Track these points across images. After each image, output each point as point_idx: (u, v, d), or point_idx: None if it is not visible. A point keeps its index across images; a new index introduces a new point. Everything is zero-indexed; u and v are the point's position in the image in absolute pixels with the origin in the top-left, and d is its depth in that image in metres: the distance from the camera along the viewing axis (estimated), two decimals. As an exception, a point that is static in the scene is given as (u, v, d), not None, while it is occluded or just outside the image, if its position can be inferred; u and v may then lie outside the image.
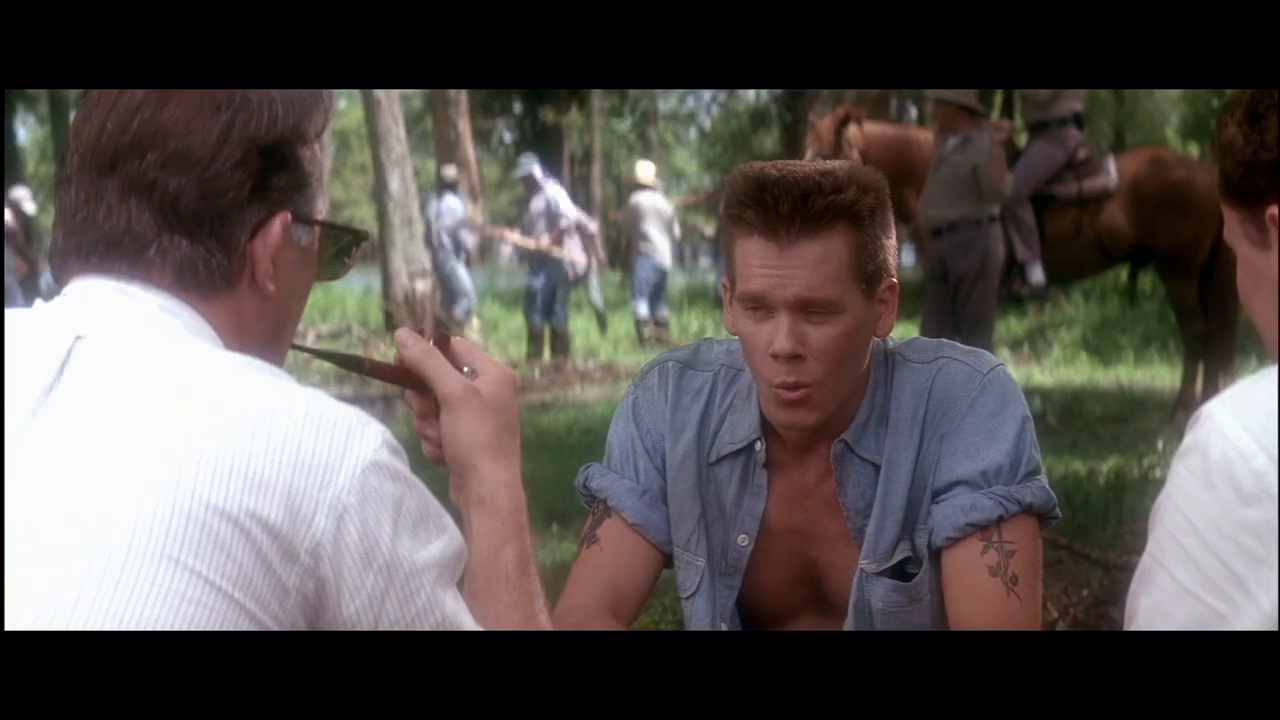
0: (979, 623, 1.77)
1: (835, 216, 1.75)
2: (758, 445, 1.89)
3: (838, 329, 1.77)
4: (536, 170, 13.74)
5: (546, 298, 13.58)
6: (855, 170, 1.80)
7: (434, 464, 1.37)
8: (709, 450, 1.92)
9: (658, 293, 14.70)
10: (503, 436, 1.36)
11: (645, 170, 15.46)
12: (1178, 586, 1.23)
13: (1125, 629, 1.31)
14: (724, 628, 1.93)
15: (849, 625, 1.88)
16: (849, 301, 1.77)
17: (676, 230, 15.21)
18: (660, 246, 14.56)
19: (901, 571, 1.86)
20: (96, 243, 1.20)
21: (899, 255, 1.87)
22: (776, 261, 1.76)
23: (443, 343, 1.39)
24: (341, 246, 1.33)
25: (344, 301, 18.31)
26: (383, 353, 10.91)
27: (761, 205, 1.76)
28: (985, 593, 1.78)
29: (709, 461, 1.92)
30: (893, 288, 1.82)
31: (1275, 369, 1.24)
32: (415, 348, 1.37)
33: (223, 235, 1.21)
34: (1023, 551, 1.80)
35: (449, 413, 1.35)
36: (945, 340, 1.93)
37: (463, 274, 14.53)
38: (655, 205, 14.69)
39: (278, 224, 1.23)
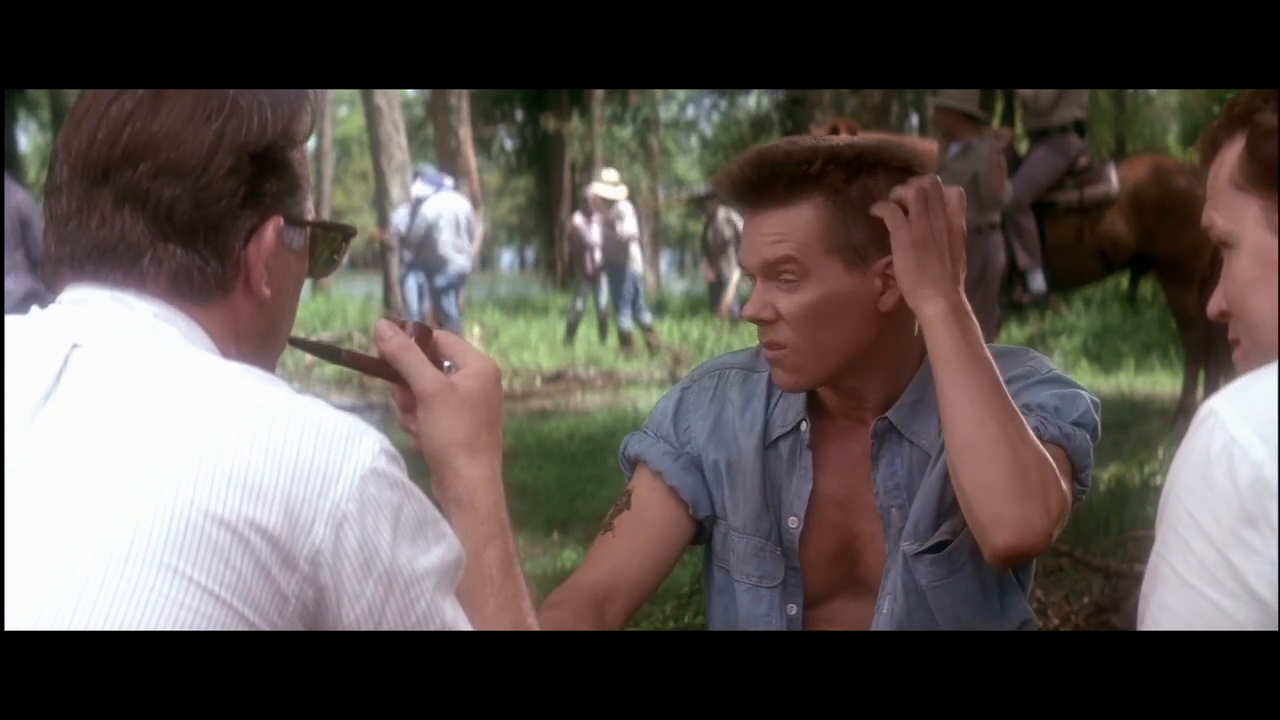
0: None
1: (798, 187, 1.81)
2: (803, 426, 1.92)
3: (805, 297, 1.82)
4: (428, 172, 13.30)
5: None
6: (839, 146, 1.83)
7: (420, 458, 1.35)
8: (766, 436, 1.95)
9: (637, 299, 14.66)
10: (480, 432, 1.33)
11: (609, 177, 15.38)
12: (1178, 579, 1.22)
13: (1138, 629, 1.30)
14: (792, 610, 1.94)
15: (898, 609, 1.89)
16: (820, 271, 1.81)
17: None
18: (635, 254, 14.62)
19: (939, 545, 1.87)
20: (90, 251, 1.20)
21: None
22: (749, 230, 1.86)
23: (425, 335, 1.36)
24: (331, 244, 1.33)
25: (345, 308, 18.33)
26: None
27: (728, 176, 1.86)
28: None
29: (765, 446, 1.95)
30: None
31: (1275, 366, 1.24)
32: (393, 342, 1.34)
33: (217, 244, 1.20)
34: None
35: (423, 409, 1.33)
36: (1031, 350, 1.96)
37: (411, 285, 13.42)
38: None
39: (271, 229, 1.22)
